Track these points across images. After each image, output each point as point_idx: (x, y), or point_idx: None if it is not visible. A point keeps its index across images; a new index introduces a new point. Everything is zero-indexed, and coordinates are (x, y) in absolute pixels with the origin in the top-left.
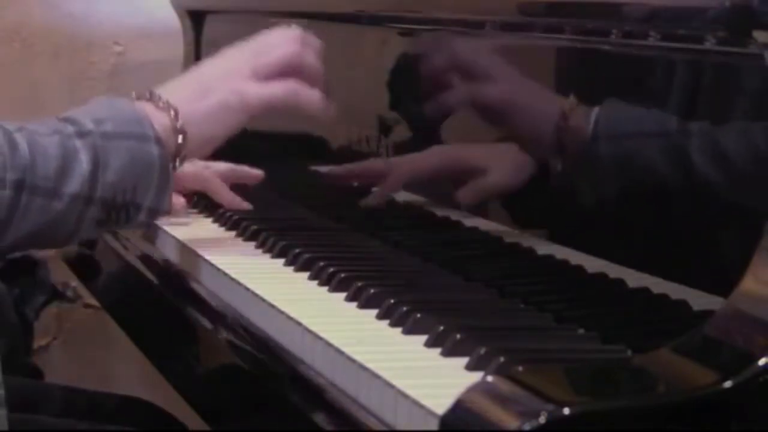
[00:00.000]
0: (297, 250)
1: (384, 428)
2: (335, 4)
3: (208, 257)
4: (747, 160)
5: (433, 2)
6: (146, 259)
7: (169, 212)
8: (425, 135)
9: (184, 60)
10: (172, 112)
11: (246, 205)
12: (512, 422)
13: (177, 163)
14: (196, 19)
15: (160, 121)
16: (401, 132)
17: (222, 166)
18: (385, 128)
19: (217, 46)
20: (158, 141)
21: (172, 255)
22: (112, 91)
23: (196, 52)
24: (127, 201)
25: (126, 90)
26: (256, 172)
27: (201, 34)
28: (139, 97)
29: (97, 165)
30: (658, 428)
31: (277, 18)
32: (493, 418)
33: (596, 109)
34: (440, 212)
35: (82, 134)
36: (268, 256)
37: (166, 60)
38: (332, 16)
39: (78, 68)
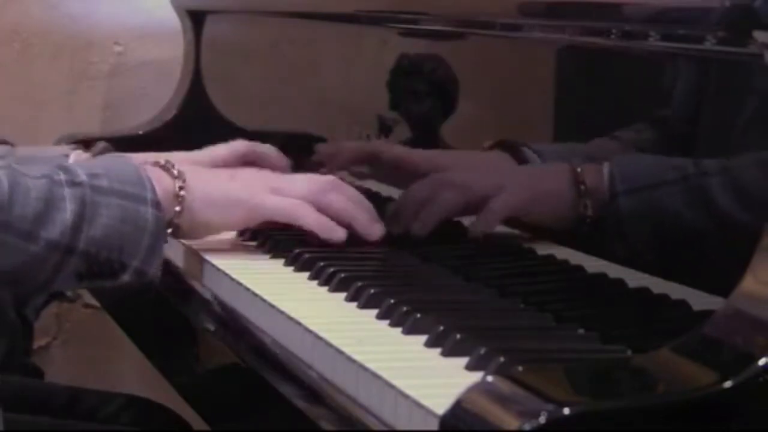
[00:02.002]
0: (297, 250)
1: (384, 428)
2: (335, 4)
3: (208, 257)
4: (747, 160)
5: (433, 2)
6: None
7: (158, 278)
8: (425, 135)
9: (184, 60)
10: (180, 183)
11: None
12: (512, 422)
13: (169, 231)
14: (196, 19)
15: (164, 185)
16: (401, 132)
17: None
18: (385, 128)
19: (217, 46)
20: (156, 205)
21: (172, 255)
22: (112, 91)
23: (196, 52)
24: (112, 259)
25: (126, 90)
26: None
27: (201, 34)
28: (154, 163)
29: (82, 217)
30: (658, 428)
31: (278, 18)
32: (493, 418)
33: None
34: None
35: (73, 184)
36: (268, 256)
37: (166, 60)
38: (332, 16)
39: (78, 68)
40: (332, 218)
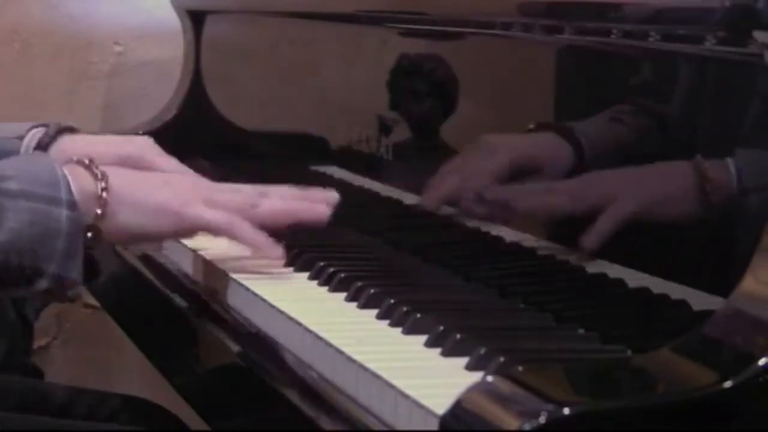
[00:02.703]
0: (297, 251)
1: (384, 428)
2: (335, 4)
3: (208, 258)
4: (747, 160)
5: (433, 2)
6: (146, 259)
7: (80, 283)
8: (425, 135)
9: (184, 60)
10: (103, 184)
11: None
12: (512, 422)
13: (89, 235)
14: (196, 19)
15: (83, 186)
16: (401, 132)
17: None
18: (385, 128)
19: (217, 46)
20: (71, 206)
21: (172, 256)
22: (112, 91)
23: (196, 52)
24: (24, 264)
25: (126, 90)
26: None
27: (201, 34)
28: (77, 162)
29: None
30: (658, 428)
31: (278, 18)
32: (493, 418)
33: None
34: (440, 212)
35: None
36: None
37: (166, 60)
38: (332, 16)
39: (78, 68)
40: (274, 224)
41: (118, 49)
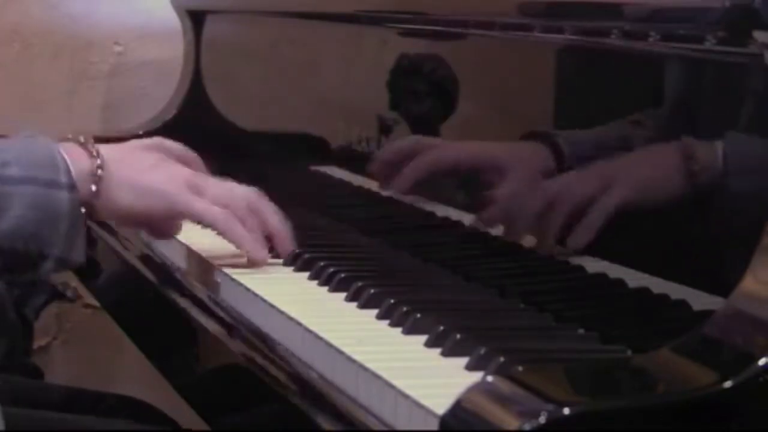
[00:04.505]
0: (297, 250)
1: (384, 428)
2: (335, 4)
3: (208, 258)
4: (747, 159)
5: (433, 2)
6: (146, 259)
7: (82, 262)
8: (425, 135)
9: (184, 60)
10: (98, 162)
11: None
12: (512, 422)
13: (82, 210)
14: (196, 19)
15: (80, 165)
16: (401, 132)
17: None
18: (385, 128)
19: (217, 46)
20: (70, 188)
21: (171, 256)
22: (112, 91)
23: (196, 52)
24: (29, 250)
25: (126, 90)
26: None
27: (201, 34)
28: (72, 139)
29: None
30: (658, 428)
31: (278, 18)
32: (493, 418)
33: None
34: (440, 212)
35: None
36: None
37: (166, 60)
38: (332, 16)
39: (78, 68)
40: (255, 226)
41: (118, 49)
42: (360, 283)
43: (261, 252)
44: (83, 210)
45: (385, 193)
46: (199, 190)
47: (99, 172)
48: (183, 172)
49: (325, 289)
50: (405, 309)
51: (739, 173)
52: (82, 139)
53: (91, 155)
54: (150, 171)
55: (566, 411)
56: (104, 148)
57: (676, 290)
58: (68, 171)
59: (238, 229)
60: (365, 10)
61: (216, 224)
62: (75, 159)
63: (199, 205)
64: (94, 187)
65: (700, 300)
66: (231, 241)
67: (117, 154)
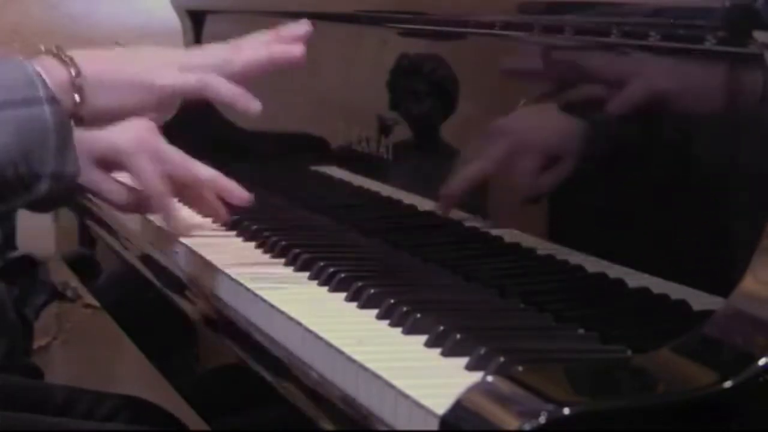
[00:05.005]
0: (297, 250)
1: (384, 428)
2: (335, 4)
3: (208, 257)
4: (747, 159)
5: (433, 2)
6: (146, 259)
7: (78, 173)
8: (425, 135)
9: None
10: (73, 70)
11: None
12: (512, 422)
13: (72, 123)
14: (196, 19)
15: (56, 76)
16: (401, 132)
17: (206, 172)
18: (385, 128)
19: None
20: (51, 100)
21: (172, 256)
22: None
23: None
24: (21, 173)
25: None
26: (244, 194)
27: (201, 34)
28: (45, 51)
29: None
30: (658, 428)
31: (277, 18)
32: (493, 418)
33: None
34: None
35: None
36: (268, 256)
37: None
38: (332, 16)
39: None
40: (252, 74)
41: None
42: (360, 283)
43: (252, 102)
44: (72, 122)
45: (384, 193)
46: (182, 65)
47: (77, 80)
48: (161, 54)
49: (325, 289)
50: (405, 309)
51: (740, 173)
52: (54, 49)
53: (65, 64)
54: (126, 65)
55: (566, 411)
56: (78, 54)
57: (676, 290)
58: (45, 85)
59: (223, 87)
60: (365, 10)
61: (200, 91)
62: (50, 71)
63: (179, 80)
64: (77, 97)
65: (700, 300)
66: (221, 101)
67: (91, 58)
